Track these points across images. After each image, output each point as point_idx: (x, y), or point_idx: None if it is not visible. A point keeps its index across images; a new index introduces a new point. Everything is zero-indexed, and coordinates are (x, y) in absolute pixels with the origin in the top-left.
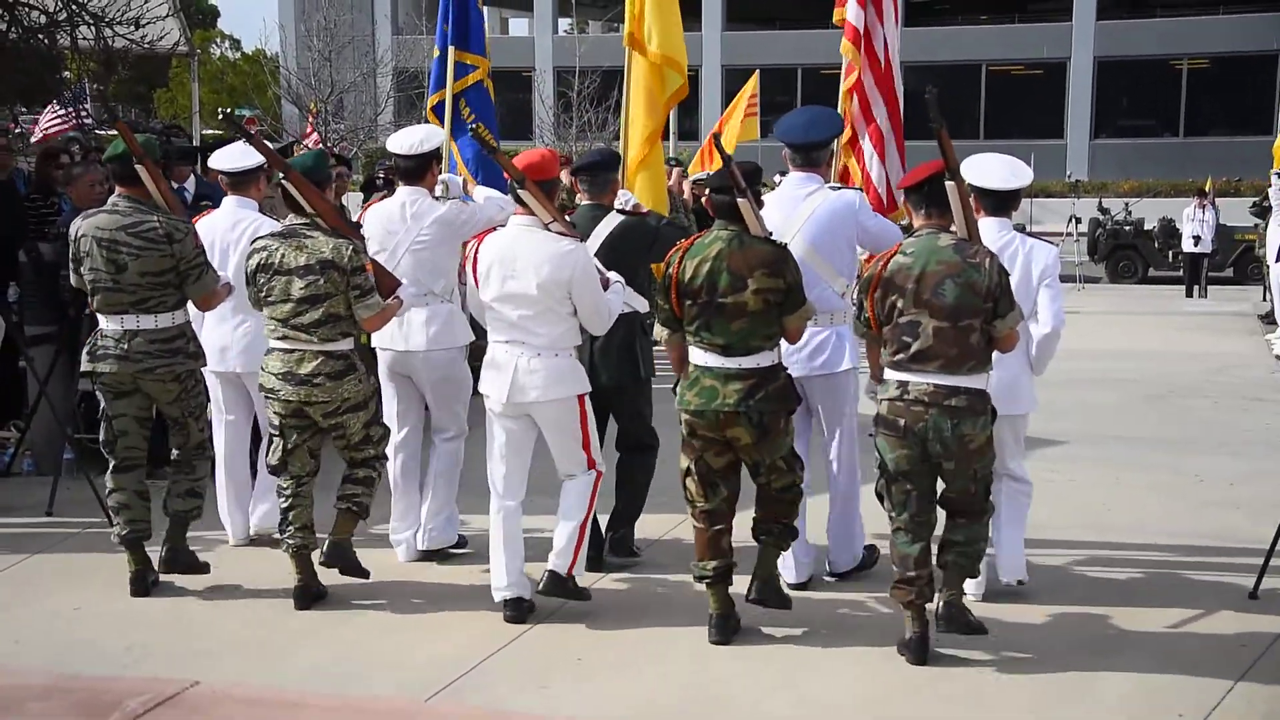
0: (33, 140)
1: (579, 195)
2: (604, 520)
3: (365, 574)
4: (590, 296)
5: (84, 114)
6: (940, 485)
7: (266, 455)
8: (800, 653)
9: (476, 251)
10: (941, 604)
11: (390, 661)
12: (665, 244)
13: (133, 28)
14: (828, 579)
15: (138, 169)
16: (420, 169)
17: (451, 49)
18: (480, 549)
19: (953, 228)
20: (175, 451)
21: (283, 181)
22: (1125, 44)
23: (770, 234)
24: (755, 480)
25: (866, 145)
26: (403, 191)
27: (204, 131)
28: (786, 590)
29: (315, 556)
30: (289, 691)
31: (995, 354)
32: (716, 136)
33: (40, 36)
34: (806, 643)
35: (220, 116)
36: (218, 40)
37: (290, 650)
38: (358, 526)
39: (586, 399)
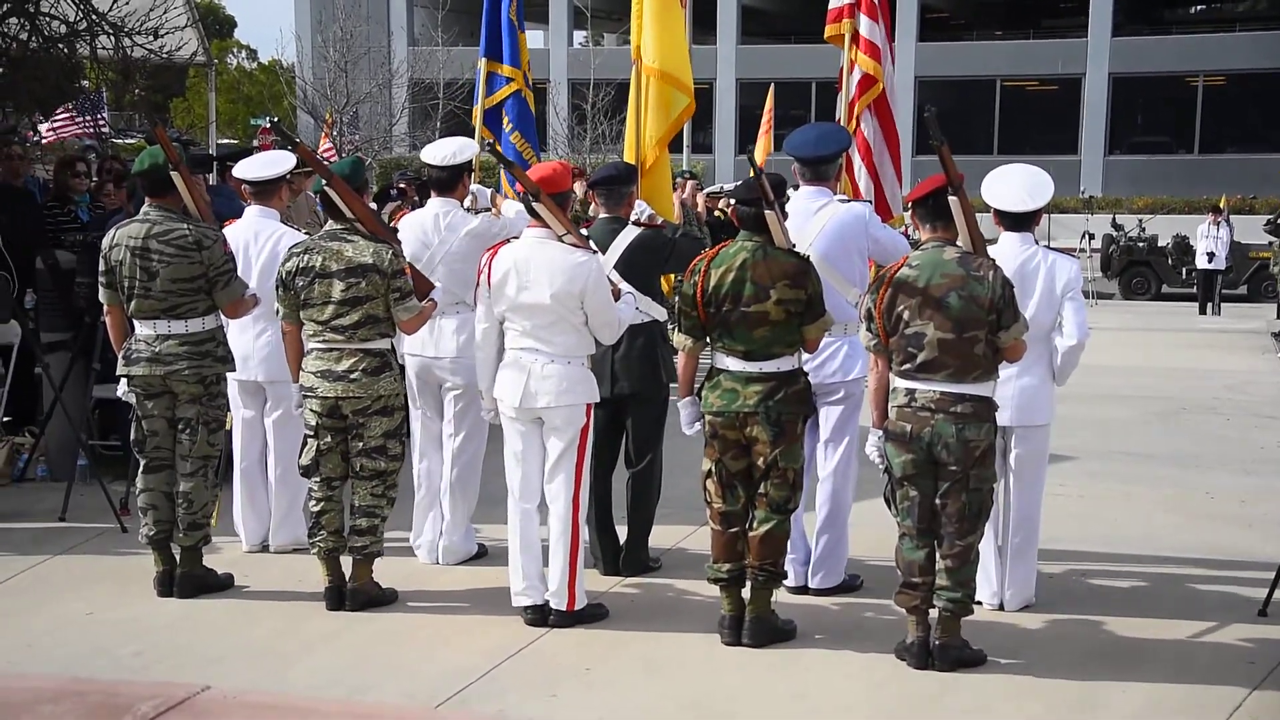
0: (44, 141)
1: (593, 207)
2: (622, 533)
3: (394, 596)
4: (601, 307)
5: (101, 122)
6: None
7: (300, 456)
8: (809, 663)
9: (491, 262)
10: (937, 645)
11: (400, 669)
12: (680, 255)
13: (151, 37)
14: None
15: (173, 175)
16: (452, 180)
17: (484, 61)
18: (495, 556)
19: (958, 241)
20: (182, 470)
21: (325, 187)
22: (1140, 60)
23: (794, 245)
24: (757, 490)
25: (855, 159)
26: (435, 203)
27: (219, 141)
28: (780, 625)
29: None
30: (298, 697)
31: (1019, 363)
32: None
33: (60, 46)
34: (815, 652)
35: (268, 125)
36: (234, 50)
37: (301, 656)
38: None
39: (593, 415)
